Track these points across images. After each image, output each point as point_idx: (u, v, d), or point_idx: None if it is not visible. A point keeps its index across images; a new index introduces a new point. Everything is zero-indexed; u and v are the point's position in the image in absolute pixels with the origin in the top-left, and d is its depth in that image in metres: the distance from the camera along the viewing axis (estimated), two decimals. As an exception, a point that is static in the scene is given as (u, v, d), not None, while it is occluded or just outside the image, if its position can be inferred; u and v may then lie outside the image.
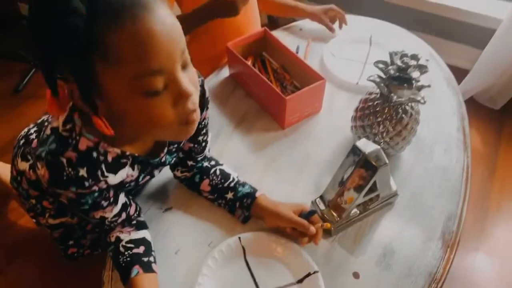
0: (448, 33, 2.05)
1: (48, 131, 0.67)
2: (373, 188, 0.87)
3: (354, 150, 0.84)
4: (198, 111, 0.63)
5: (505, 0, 1.93)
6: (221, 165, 0.96)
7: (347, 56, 1.32)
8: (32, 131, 0.97)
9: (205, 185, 0.93)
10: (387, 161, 0.82)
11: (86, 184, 0.67)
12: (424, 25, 2.07)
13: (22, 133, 1.00)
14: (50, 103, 0.60)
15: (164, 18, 0.53)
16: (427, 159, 1.05)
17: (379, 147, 0.83)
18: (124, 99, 0.56)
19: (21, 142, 0.95)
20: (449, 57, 2.09)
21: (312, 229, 0.82)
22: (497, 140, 1.79)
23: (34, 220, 1.07)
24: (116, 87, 0.55)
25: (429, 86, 0.93)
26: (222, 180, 0.92)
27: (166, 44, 0.53)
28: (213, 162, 0.97)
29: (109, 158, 0.69)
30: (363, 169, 0.83)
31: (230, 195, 0.91)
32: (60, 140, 0.65)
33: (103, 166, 0.69)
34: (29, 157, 0.91)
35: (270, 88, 1.08)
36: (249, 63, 1.24)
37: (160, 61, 0.53)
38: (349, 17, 1.44)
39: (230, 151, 1.07)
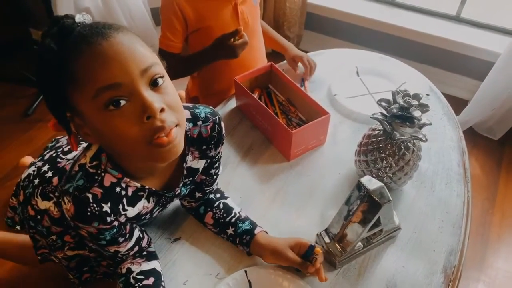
0: (448, 64, 2.11)
1: (76, 168, 0.72)
2: (377, 223, 0.89)
3: (359, 186, 0.87)
4: (176, 135, 0.63)
5: (503, 35, 1.99)
6: (226, 198, 0.99)
7: (351, 92, 1.36)
8: (44, 168, 0.98)
9: (208, 218, 0.96)
10: (390, 198, 0.85)
11: (108, 219, 0.71)
12: (424, 56, 2.14)
13: (30, 171, 1.00)
14: (72, 143, 0.67)
15: (120, 41, 0.60)
16: (428, 193, 1.08)
17: (382, 184, 0.86)
18: (94, 117, 0.61)
19: (36, 181, 0.95)
20: (448, 88, 2.16)
21: (311, 269, 0.85)
22: (497, 170, 1.82)
23: (40, 258, 1.10)
24: (85, 106, 0.61)
25: (430, 124, 0.97)
26: (225, 215, 0.95)
27: (122, 62, 0.59)
28: (218, 195, 0.99)
29: (130, 192, 0.74)
30: (367, 205, 0.86)
31: (230, 231, 0.93)
32: (87, 176, 0.70)
33: (124, 200, 0.74)
34: (51, 196, 0.92)
35: (277, 121, 1.12)
36: (256, 96, 1.29)
37: (115, 76, 0.59)
38: (351, 51, 1.49)
39: (237, 182, 1.10)
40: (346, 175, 1.12)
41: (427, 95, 1.37)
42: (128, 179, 0.73)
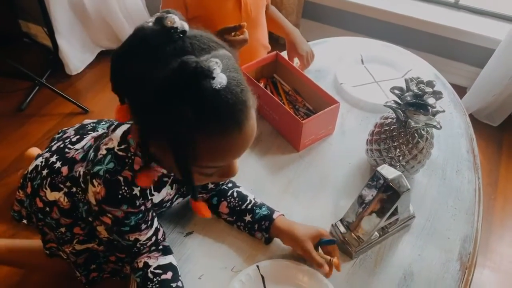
0: (447, 51, 2.11)
1: (103, 151, 0.72)
2: (394, 212, 0.89)
3: (377, 176, 0.86)
4: None
5: (503, 22, 1.99)
6: (238, 187, 0.98)
7: (357, 80, 1.34)
8: (52, 159, 0.95)
9: (223, 207, 0.94)
10: (409, 187, 0.84)
11: (137, 203, 0.73)
12: (423, 44, 2.13)
13: (38, 162, 0.97)
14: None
15: (251, 132, 0.64)
16: (440, 180, 1.08)
17: (400, 173, 0.86)
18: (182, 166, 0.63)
19: (44, 172, 0.93)
20: (448, 75, 2.15)
21: (325, 268, 0.85)
22: (498, 156, 1.83)
23: (47, 252, 1.07)
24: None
25: (443, 111, 0.96)
26: (240, 202, 0.93)
27: (243, 150, 0.65)
28: (230, 185, 0.98)
29: (156, 177, 0.76)
30: (385, 194, 0.85)
31: (248, 218, 0.92)
32: (117, 159, 0.71)
33: (151, 185, 0.75)
34: (61, 186, 0.90)
35: (286, 112, 1.10)
36: (262, 85, 1.27)
37: (229, 160, 0.67)
38: (353, 39, 1.47)
39: (247, 173, 1.08)
40: (357, 165, 1.11)
41: (434, 82, 1.36)
42: (155, 164, 0.73)
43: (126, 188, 0.71)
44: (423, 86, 0.95)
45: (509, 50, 1.76)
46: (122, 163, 0.71)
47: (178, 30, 0.58)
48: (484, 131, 1.93)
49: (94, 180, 0.71)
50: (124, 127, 0.76)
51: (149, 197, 0.76)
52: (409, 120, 0.94)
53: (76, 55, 2.12)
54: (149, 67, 0.57)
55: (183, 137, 0.57)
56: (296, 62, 1.38)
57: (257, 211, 0.92)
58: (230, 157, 0.65)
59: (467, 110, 1.97)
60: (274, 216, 0.90)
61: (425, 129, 0.98)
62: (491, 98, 1.89)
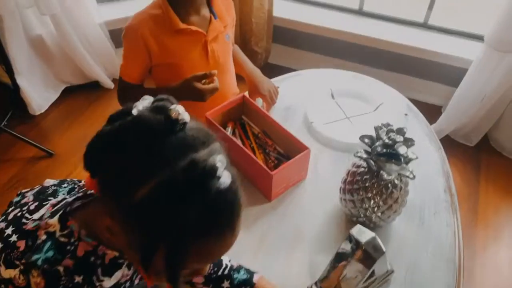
0: (419, 72, 2.09)
1: (43, 236, 0.65)
2: (371, 274, 0.84)
3: (350, 238, 0.81)
4: None
5: (474, 41, 1.98)
6: None
7: (328, 117, 1.30)
8: (8, 231, 0.87)
9: (197, 277, 0.88)
10: (384, 250, 0.79)
11: None
12: (395, 64, 2.11)
13: None
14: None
15: (240, 229, 0.58)
16: (418, 225, 1.04)
17: (374, 235, 0.81)
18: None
19: None
20: (422, 95, 2.14)
21: None
22: (476, 178, 1.81)
23: None
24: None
25: (416, 158, 0.92)
26: (215, 269, 0.87)
27: (228, 250, 0.59)
28: None
29: (106, 260, 0.68)
30: (360, 258, 0.80)
31: (226, 284, 0.85)
32: (58, 247, 0.64)
33: (99, 270, 0.68)
34: (17, 263, 0.82)
35: (255, 162, 1.05)
36: (229, 130, 1.21)
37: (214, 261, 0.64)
38: (323, 71, 1.44)
39: (217, 229, 1.02)
40: (332, 213, 1.06)
41: (406, 115, 1.33)
42: (105, 247, 0.66)
43: (67, 278, 0.64)
44: (393, 135, 0.91)
45: (481, 70, 1.74)
46: (63, 250, 0.64)
47: (182, 122, 0.53)
48: (461, 152, 1.92)
49: (33, 270, 0.65)
50: (68, 202, 0.68)
51: (96, 284, 0.68)
52: (381, 172, 0.89)
53: (39, 93, 2.03)
54: (148, 159, 0.52)
55: (177, 240, 0.52)
56: (261, 103, 1.33)
57: (235, 275, 0.86)
58: (216, 258, 0.61)
59: (443, 131, 1.98)
60: (255, 279, 0.85)
61: (399, 178, 0.94)
62: (467, 118, 1.87)
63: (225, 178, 0.51)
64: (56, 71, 2.10)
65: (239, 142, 1.18)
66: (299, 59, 2.31)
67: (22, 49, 1.89)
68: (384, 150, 0.90)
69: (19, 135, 1.84)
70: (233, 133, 1.23)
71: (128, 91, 1.22)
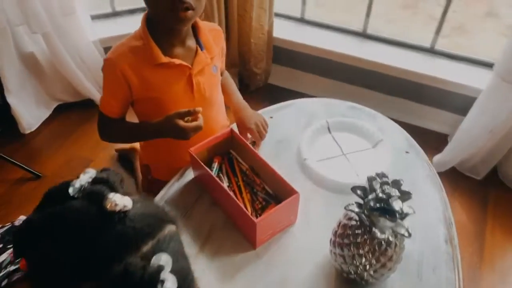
0: (425, 98, 2.00)
1: None
2: None
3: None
4: None
5: (483, 68, 1.89)
6: None
7: (323, 153, 1.22)
8: None
9: None
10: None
11: None
12: (399, 90, 2.03)
13: None
14: None
15: None
16: (415, 281, 0.94)
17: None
18: None
19: None
20: (427, 122, 2.05)
21: None
22: (483, 215, 1.71)
23: None
24: None
25: (414, 212, 0.83)
26: None
27: None
28: None
29: None
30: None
31: None
32: None
33: None
34: None
35: (239, 207, 0.96)
36: (216, 165, 1.13)
37: None
38: (320, 101, 1.36)
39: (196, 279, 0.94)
40: (322, 264, 0.97)
41: (407, 152, 1.24)
42: None
43: None
44: (388, 189, 0.82)
45: (490, 100, 1.65)
46: None
47: (119, 213, 0.46)
48: (467, 186, 1.81)
49: None
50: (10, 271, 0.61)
51: None
52: (374, 229, 0.80)
53: (30, 111, 1.97)
54: (77, 263, 0.44)
55: None
56: (250, 137, 1.25)
57: None
58: None
59: (448, 163, 1.88)
60: None
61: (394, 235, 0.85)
62: (474, 150, 1.77)
63: (169, 284, 0.43)
64: (49, 88, 2.04)
65: (225, 182, 1.10)
66: (300, 81, 2.23)
67: (13, 67, 1.84)
68: (377, 205, 0.81)
69: (6, 157, 1.77)
70: (220, 169, 1.15)
71: (108, 125, 1.15)
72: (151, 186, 1.33)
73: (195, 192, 1.13)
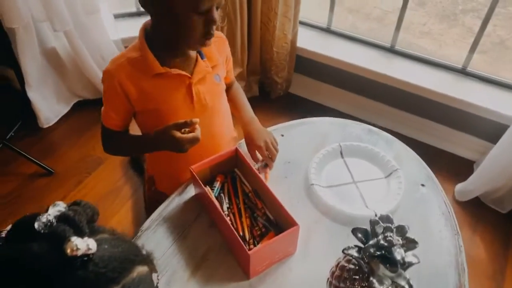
0: (453, 121, 1.89)
1: None
2: None
3: None
4: None
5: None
6: None
7: (333, 178, 1.16)
8: None
9: None
10: None
11: None
12: (425, 111, 1.93)
13: None
14: None
15: None
16: (417, 333, 0.87)
17: None
18: None
19: None
20: (453, 146, 1.94)
21: None
22: (504, 253, 1.59)
23: None
24: None
25: (418, 262, 0.76)
26: None
27: None
28: None
29: None
30: None
31: None
32: None
33: None
34: None
35: (234, 236, 0.92)
36: (218, 184, 1.09)
37: None
38: (335, 121, 1.29)
39: (184, 306, 0.90)
40: (318, 303, 0.92)
41: (422, 185, 1.16)
42: None
43: None
44: (391, 236, 0.75)
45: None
46: None
47: (82, 257, 0.43)
48: (490, 220, 1.70)
49: None
50: None
51: None
52: (372, 279, 0.74)
53: (49, 107, 1.99)
54: None
55: None
56: (257, 166, 1.18)
57: None
58: None
59: (472, 192, 1.77)
60: None
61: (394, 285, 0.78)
62: (502, 181, 1.65)
63: None
64: (69, 84, 2.06)
65: (225, 203, 1.06)
66: (321, 92, 2.16)
67: (34, 62, 1.85)
68: (378, 252, 0.75)
69: (20, 151, 1.80)
70: (222, 188, 1.11)
71: (110, 138, 1.13)
72: (154, 198, 1.30)
73: (194, 209, 1.09)
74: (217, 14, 0.96)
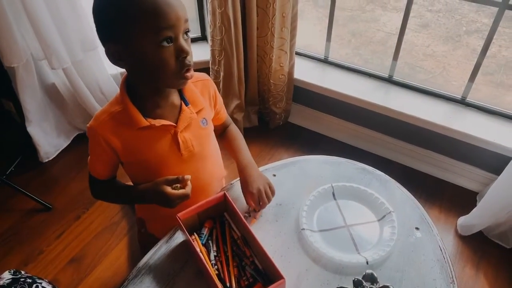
0: (454, 152, 1.86)
1: None
2: None
3: None
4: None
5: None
6: None
7: (324, 222, 1.13)
8: None
9: None
10: None
11: None
12: (426, 141, 1.89)
13: None
14: None
15: None
16: None
17: None
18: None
19: None
20: (455, 177, 1.90)
21: None
22: (510, 290, 1.54)
23: None
24: None
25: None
26: None
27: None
28: None
29: None
30: None
31: None
32: None
33: None
34: None
35: (217, 289, 0.90)
36: (206, 230, 1.07)
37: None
38: (328, 160, 1.26)
39: None
40: None
41: (417, 228, 1.13)
42: None
43: None
44: (375, 299, 0.72)
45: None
46: None
47: None
48: (494, 255, 1.64)
49: None
50: None
51: None
52: None
53: (49, 140, 2.01)
54: None
55: None
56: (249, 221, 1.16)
57: None
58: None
59: (475, 227, 1.72)
60: None
61: None
62: (506, 215, 1.60)
63: None
64: (70, 118, 2.08)
65: (212, 251, 1.04)
66: (320, 122, 2.15)
67: (35, 98, 1.88)
68: (361, 316, 0.72)
69: (19, 188, 1.80)
70: (210, 235, 1.09)
71: (97, 185, 1.12)
72: (146, 240, 1.29)
73: (182, 257, 1.07)
74: (185, 42, 0.90)
